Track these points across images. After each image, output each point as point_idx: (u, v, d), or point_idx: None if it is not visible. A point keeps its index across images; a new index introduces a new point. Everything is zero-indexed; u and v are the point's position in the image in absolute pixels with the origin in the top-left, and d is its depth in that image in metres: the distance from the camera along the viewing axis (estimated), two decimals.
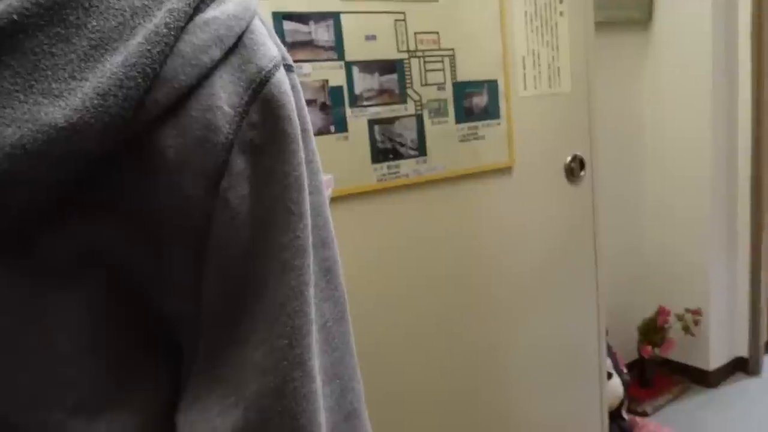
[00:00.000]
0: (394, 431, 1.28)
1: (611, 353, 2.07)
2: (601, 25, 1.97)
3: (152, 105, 0.30)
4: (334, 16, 1.12)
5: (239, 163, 0.33)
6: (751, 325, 2.51)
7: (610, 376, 1.97)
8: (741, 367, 2.55)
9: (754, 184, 2.39)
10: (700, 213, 2.38)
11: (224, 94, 0.33)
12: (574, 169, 1.53)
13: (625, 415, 2.10)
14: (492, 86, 1.35)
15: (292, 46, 1.08)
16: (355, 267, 1.20)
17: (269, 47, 0.36)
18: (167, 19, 0.31)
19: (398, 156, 1.23)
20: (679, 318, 2.41)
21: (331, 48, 1.13)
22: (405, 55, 1.22)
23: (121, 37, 0.30)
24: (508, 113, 1.38)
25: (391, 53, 1.21)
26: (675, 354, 2.46)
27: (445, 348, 1.35)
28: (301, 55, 1.09)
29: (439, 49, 1.27)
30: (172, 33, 0.31)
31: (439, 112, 1.28)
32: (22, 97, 0.28)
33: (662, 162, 2.45)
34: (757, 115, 2.31)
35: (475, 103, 1.33)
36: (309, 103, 1.11)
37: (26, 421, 0.32)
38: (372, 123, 1.19)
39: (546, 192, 1.50)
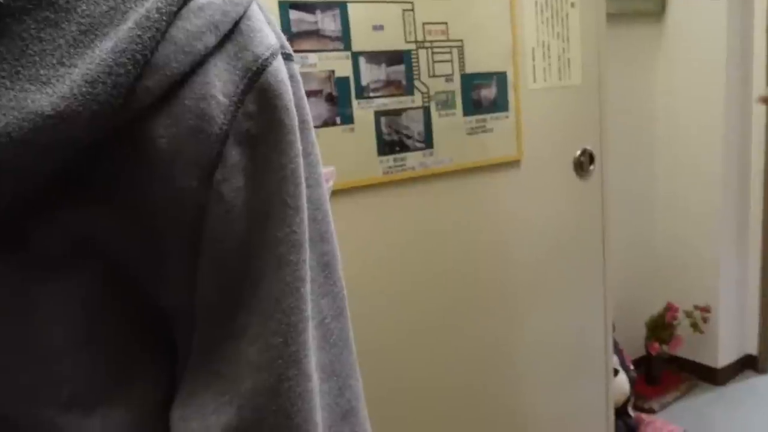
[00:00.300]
0: (399, 426, 1.28)
1: (617, 349, 2.06)
2: (613, 17, 1.94)
3: (143, 93, 0.29)
4: (341, 6, 1.11)
5: (234, 154, 0.32)
6: (761, 322, 2.49)
7: (616, 372, 1.96)
8: (750, 364, 2.53)
9: (766, 179, 2.35)
10: (711, 208, 2.36)
11: (219, 83, 0.32)
12: (584, 163, 1.51)
13: (631, 412, 2.09)
14: (501, 78, 1.33)
15: (297, 36, 1.07)
16: (360, 261, 1.19)
17: (267, 34, 0.35)
18: (159, 4, 0.30)
19: (405, 148, 1.21)
20: (688, 315, 2.38)
21: (337, 38, 1.11)
22: (413, 46, 1.21)
23: (111, 22, 0.29)
24: (516, 106, 1.36)
25: (398, 44, 1.19)
26: (683, 351, 2.44)
27: (450, 343, 1.34)
28: (307, 45, 1.08)
29: (448, 40, 1.25)
30: (164, 18, 0.30)
31: (446, 104, 1.26)
32: (8, 83, 0.27)
33: (673, 156, 2.42)
34: None
35: (484, 95, 1.31)
36: (315, 93, 1.10)
37: (19, 415, 0.32)
38: (378, 115, 1.17)
39: (554, 186, 1.49)
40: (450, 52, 1.26)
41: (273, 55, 0.34)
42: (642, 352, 2.44)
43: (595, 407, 1.66)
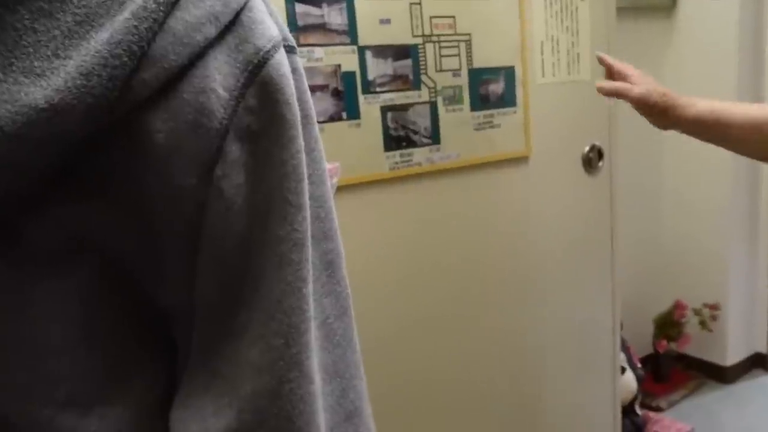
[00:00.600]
0: (408, 421, 1.27)
1: (625, 347, 2.04)
2: (623, 11, 1.92)
3: (140, 86, 0.28)
4: None
5: (234, 150, 0.31)
6: None
7: (623, 370, 1.94)
8: (759, 363, 2.51)
9: None
10: (720, 204, 2.33)
11: (219, 76, 0.31)
12: (593, 159, 1.49)
13: (638, 410, 2.07)
14: (509, 73, 1.32)
15: (303, 30, 1.06)
16: (366, 257, 1.18)
17: (268, 26, 0.34)
18: None
19: (411, 144, 1.20)
20: (696, 312, 2.36)
21: (344, 32, 1.10)
22: (420, 40, 1.19)
23: (108, 13, 0.28)
24: (525, 101, 1.34)
25: (405, 38, 1.18)
26: (691, 349, 2.42)
27: (458, 339, 1.33)
28: (313, 39, 1.07)
29: (455, 34, 1.24)
30: (162, 8, 0.29)
31: (453, 99, 1.25)
32: (1, 75, 0.26)
33: (683, 152, 2.39)
34: None
35: (491, 90, 1.30)
36: (321, 88, 1.09)
37: (14, 414, 0.31)
38: (385, 110, 1.16)
39: (563, 182, 1.47)
40: (457, 47, 1.24)
41: (275, 48, 0.33)
42: (650, 350, 2.42)
43: (602, 405, 1.65)
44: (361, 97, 1.13)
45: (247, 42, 0.32)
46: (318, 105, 1.09)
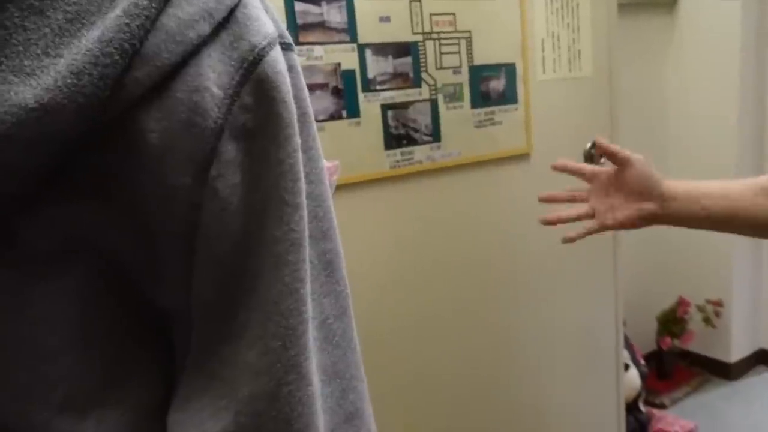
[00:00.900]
0: (410, 419, 1.27)
1: (628, 344, 2.04)
2: (625, 7, 1.91)
3: (132, 85, 0.28)
4: None
5: (230, 149, 0.31)
6: None
7: (627, 367, 1.94)
8: (763, 359, 2.50)
9: None
10: None
11: (213, 74, 0.30)
12: (594, 156, 1.49)
13: (642, 407, 2.07)
14: (510, 70, 1.31)
15: (303, 28, 1.05)
16: (367, 256, 1.18)
17: (264, 23, 0.33)
18: None
19: (412, 142, 1.20)
20: (700, 309, 2.36)
21: (343, 30, 1.10)
22: (420, 38, 1.19)
23: (99, 10, 0.28)
24: (526, 98, 1.34)
25: (405, 35, 1.17)
26: (695, 345, 2.41)
27: (459, 337, 1.32)
28: (312, 38, 1.06)
29: (456, 31, 1.23)
30: (154, 5, 0.28)
31: (454, 96, 1.24)
32: None
33: (686, 148, 2.39)
34: None
35: (492, 87, 1.29)
36: (321, 87, 1.08)
37: (11, 417, 0.31)
38: (385, 108, 1.16)
39: (565, 179, 1.46)
40: (458, 44, 1.24)
41: (270, 45, 0.33)
42: (653, 347, 2.42)
43: (605, 402, 1.65)
44: (361, 96, 1.13)
45: (242, 39, 0.32)
46: (318, 103, 1.08)
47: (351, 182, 1.13)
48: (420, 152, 1.21)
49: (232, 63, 0.31)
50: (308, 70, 1.06)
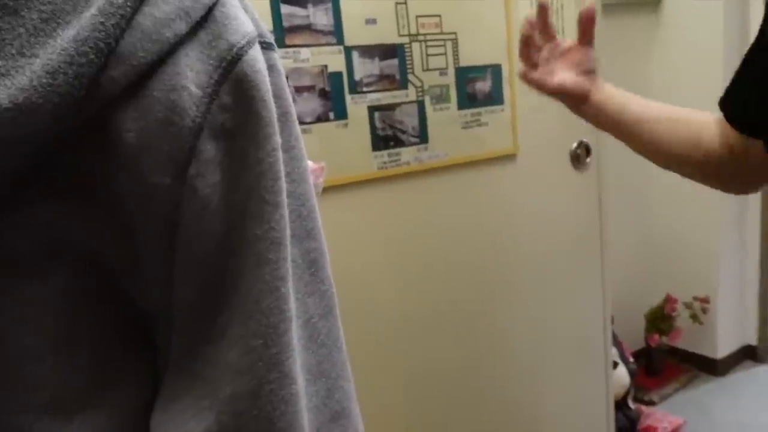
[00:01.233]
0: (400, 420, 1.28)
1: (617, 342, 2.05)
2: (609, 7, 1.93)
3: (108, 84, 0.28)
4: None
5: (209, 148, 0.31)
6: (760, 313, 2.48)
7: (615, 365, 1.95)
8: (750, 354, 2.53)
9: None
10: (709, 199, 2.35)
11: (191, 73, 0.30)
12: (580, 155, 1.50)
13: (631, 404, 2.08)
14: (495, 71, 1.32)
15: (289, 30, 1.05)
16: (355, 257, 1.18)
17: (243, 22, 0.33)
18: None
19: (399, 143, 1.20)
20: (687, 306, 2.38)
21: (330, 32, 1.10)
22: (406, 40, 1.19)
23: (74, 9, 0.28)
24: (512, 99, 1.35)
25: (391, 37, 1.18)
26: (682, 342, 2.43)
27: (448, 337, 1.33)
28: (299, 40, 1.07)
29: (441, 33, 1.24)
30: (129, 4, 0.28)
31: (441, 98, 1.25)
32: None
33: None
34: None
35: (479, 88, 1.30)
36: (308, 89, 1.09)
37: None
38: (372, 109, 1.16)
39: (551, 179, 1.48)
40: (444, 46, 1.24)
41: (249, 44, 0.32)
42: (642, 344, 2.44)
43: (594, 400, 1.66)
44: (348, 97, 1.13)
45: (220, 38, 0.31)
46: (305, 105, 1.09)
47: (339, 184, 1.13)
48: (407, 153, 1.22)
49: (211, 62, 0.31)
50: (295, 72, 1.07)
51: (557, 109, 1.46)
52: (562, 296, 1.53)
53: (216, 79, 0.31)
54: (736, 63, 0.71)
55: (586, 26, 0.83)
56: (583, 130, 1.50)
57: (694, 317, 2.37)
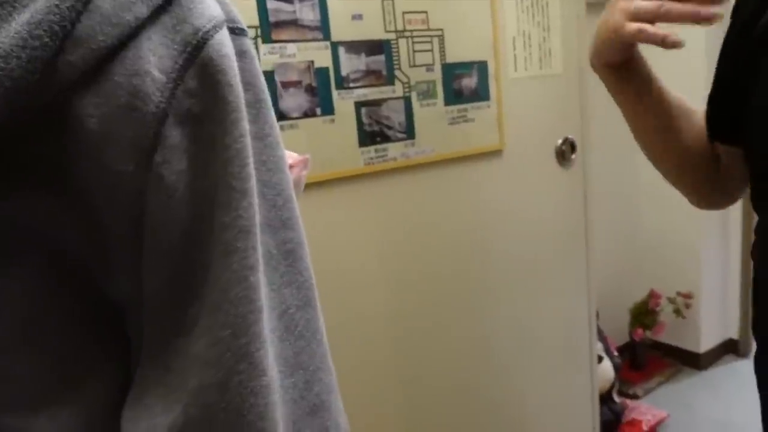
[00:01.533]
0: (385, 419, 1.28)
1: (602, 336, 2.08)
2: (593, 6, 1.94)
3: (66, 68, 0.27)
4: None
5: (175, 135, 0.30)
6: (742, 307, 2.52)
7: (600, 359, 1.97)
8: (732, 348, 2.57)
9: None
10: None
11: (154, 58, 0.30)
12: (566, 152, 1.52)
13: (616, 398, 2.11)
14: (482, 68, 1.33)
15: (276, 26, 1.05)
16: (342, 253, 1.18)
17: (209, 5, 0.32)
18: None
19: (386, 139, 1.21)
20: (671, 301, 2.41)
21: (316, 28, 1.10)
22: (393, 36, 1.20)
23: None
24: (498, 95, 1.36)
25: (378, 33, 1.18)
26: (666, 337, 2.47)
27: (434, 333, 1.34)
28: (285, 35, 1.07)
29: (428, 30, 1.24)
30: None
31: (427, 94, 1.26)
32: None
33: None
34: None
35: (465, 84, 1.31)
36: (294, 84, 1.09)
37: None
38: (359, 105, 1.17)
39: (537, 175, 1.49)
40: (430, 42, 1.25)
41: (215, 28, 0.32)
42: (626, 339, 2.47)
43: (580, 394, 1.68)
44: (334, 93, 1.13)
45: (185, 22, 0.31)
46: (292, 101, 1.09)
47: (325, 179, 1.13)
48: (394, 149, 1.22)
49: (175, 46, 0.30)
50: (281, 67, 1.07)
51: (543, 105, 1.47)
52: (548, 291, 1.55)
53: (181, 64, 0.30)
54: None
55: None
56: (568, 127, 1.52)
57: (677, 312, 2.40)
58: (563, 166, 1.52)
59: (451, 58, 1.28)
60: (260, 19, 1.03)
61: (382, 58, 1.19)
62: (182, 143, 0.31)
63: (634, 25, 0.64)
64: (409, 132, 1.24)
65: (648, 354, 2.48)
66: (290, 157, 0.54)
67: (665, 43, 0.63)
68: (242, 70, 0.34)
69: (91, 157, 0.29)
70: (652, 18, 0.63)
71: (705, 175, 0.74)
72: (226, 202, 0.32)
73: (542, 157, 1.49)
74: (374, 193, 1.21)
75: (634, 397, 2.31)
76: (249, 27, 1.02)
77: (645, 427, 2.07)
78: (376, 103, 1.19)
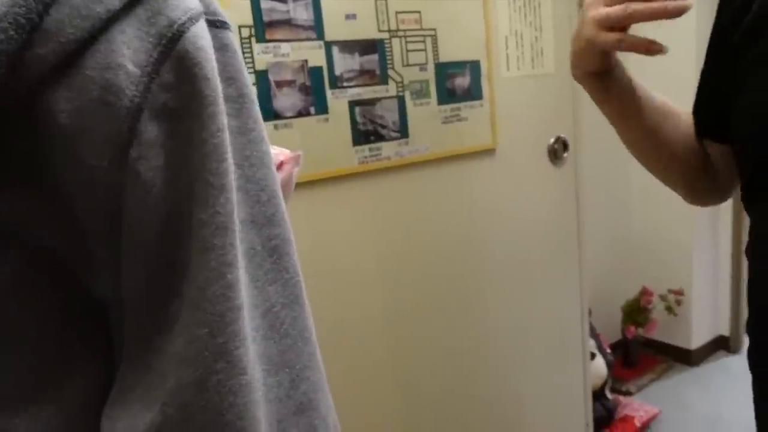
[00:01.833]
0: (379, 414, 1.29)
1: (594, 334, 2.09)
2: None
3: (35, 62, 0.27)
4: None
5: (150, 129, 0.30)
6: (732, 304, 2.55)
7: (593, 356, 1.99)
8: (723, 345, 2.59)
9: None
10: None
11: (128, 51, 0.29)
12: (558, 150, 1.53)
13: (608, 394, 2.12)
14: (474, 67, 1.34)
15: (270, 25, 1.06)
16: (336, 251, 1.19)
17: None
18: None
19: (380, 138, 1.21)
20: (663, 298, 2.43)
21: (310, 27, 1.11)
22: (386, 35, 1.20)
23: None
24: (490, 94, 1.37)
25: (371, 33, 1.18)
26: (658, 334, 2.49)
27: (427, 330, 1.34)
28: (279, 35, 1.07)
29: (421, 29, 1.25)
30: None
31: (421, 93, 1.26)
32: None
33: None
34: None
35: (458, 84, 1.32)
36: (288, 83, 1.09)
37: None
38: (353, 104, 1.17)
39: (529, 174, 1.50)
40: (423, 41, 1.26)
41: (192, 20, 0.31)
42: (619, 336, 2.49)
43: (572, 391, 1.69)
44: (328, 92, 1.14)
45: (159, 14, 0.30)
46: (286, 100, 1.09)
47: (319, 178, 1.14)
48: (388, 148, 1.23)
49: (150, 39, 0.30)
50: (276, 66, 1.07)
51: (535, 104, 1.48)
52: (541, 289, 1.56)
53: (156, 57, 0.30)
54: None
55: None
56: (560, 126, 1.53)
57: (669, 309, 2.42)
58: (555, 164, 1.53)
59: (444, 58, 1.29)
60: (254, 19, 1.04)
61: (375, 57, 1.19)
62: (159, 138, 0.30)
63: (612, 36, 0.62)
64: (403, 131, 1.24)
65: (640, 351, 2.50)
66: (282, 153, 0.54)
67: (650, 50, 0.61)
68: (224, 64, 0.33)
69: (65, 152, 0.28)
70: (621, 21, 0.61)
71: (695, 174, 0.75)
72: (204, 199, 0.31)
73: (535, 155, 1.50)
74: (368, 191, 1.22)
75: (627, 393, 2.32)
76: (243, 26, 1.02)
77: (637, 423, 2.09)
78: (370, 103, 1.19)
